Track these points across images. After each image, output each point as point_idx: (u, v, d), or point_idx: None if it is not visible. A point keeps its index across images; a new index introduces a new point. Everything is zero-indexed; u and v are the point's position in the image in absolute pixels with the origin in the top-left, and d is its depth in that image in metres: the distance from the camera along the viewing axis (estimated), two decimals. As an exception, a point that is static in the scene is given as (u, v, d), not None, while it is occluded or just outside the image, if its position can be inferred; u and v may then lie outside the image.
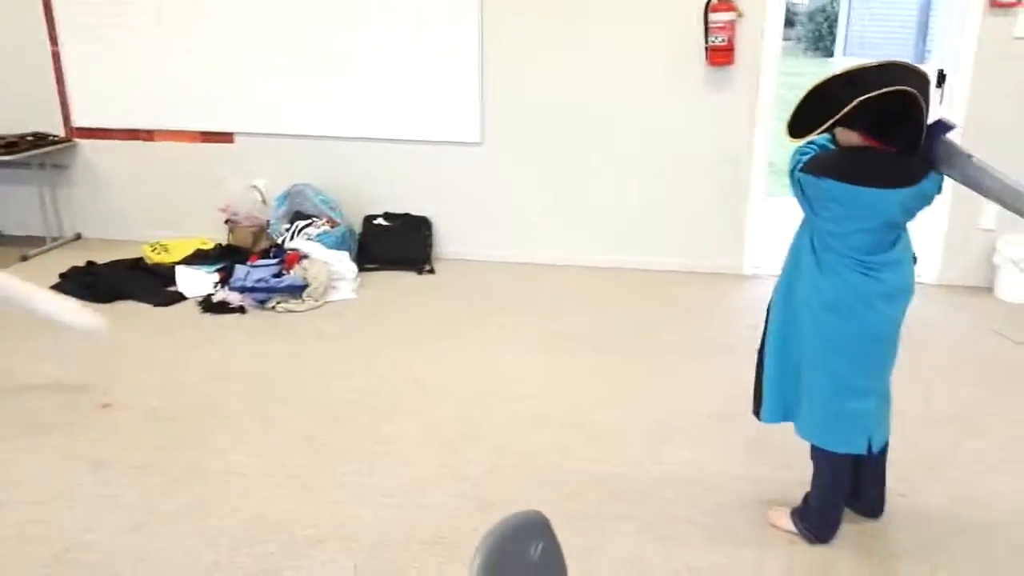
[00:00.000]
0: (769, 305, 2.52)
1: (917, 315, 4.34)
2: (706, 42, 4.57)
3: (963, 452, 3.10)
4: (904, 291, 2.34)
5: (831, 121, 2.12)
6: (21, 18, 5.31)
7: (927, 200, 2.26)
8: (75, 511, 2.76)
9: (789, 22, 20.07)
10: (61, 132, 5.52)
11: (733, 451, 3.07)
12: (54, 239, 5.61)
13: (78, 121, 5.50)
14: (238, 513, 2.75)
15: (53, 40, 5.33)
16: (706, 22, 4.53)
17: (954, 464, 3.02)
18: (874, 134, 2.17)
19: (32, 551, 2.56)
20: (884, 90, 2.03)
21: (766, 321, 2.53)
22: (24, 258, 5.32)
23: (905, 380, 3.60)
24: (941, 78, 4.55)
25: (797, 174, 2.26)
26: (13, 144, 5.24)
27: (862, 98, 2.04)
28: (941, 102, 4.58)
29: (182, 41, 5.17)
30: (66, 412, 3.41)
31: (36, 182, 5.51)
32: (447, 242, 5.27)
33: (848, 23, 17.09)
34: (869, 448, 2.42)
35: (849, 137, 2.22)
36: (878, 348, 2.38)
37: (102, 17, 5.20)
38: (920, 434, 3.18)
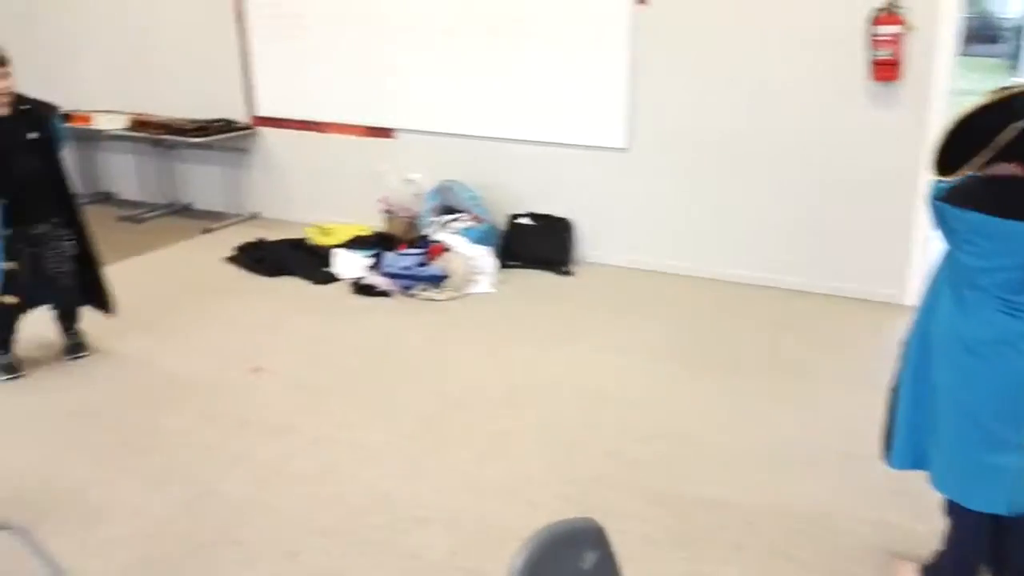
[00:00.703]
0: (905, 342, 2.34)
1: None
2: (871, 56, 4.37)
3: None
4: None
5: (986, 153, 1.94)
6: (217, 17, 5.86)
7: None
8: (213, 463, 3.07)
9: (992, 38, 18.30)
10: (245, 120, 6.05)
11: (863, 493, 2.88)
12: (234, 216, 6.16)
13: (260, 111, 6.00)
14: (356, 483, 2.96)
15: (243, 37, 5.85)
16: (871, 35, 4.33)
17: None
18: None
19: (173, 492, 2.88)
20: None
21: (901, 359, 2.35)
22: (207, 231, 5.89)
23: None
24: None
25: (937, 204, 2.09)
26: (203, 128, 5.81)
27: (1013, 126, 1.88)
28: None
29: (353, 43, 5.53)
30: (219, 374, 3.77)
31: (221, 163, 6.08)
32: (588, 245, 5.33)
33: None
34: (1013, 509, 2.18)
35: (1004, 170, 2.01)
36: None
37: (287, 18, 5.66)
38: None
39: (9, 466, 3.02)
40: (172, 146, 6.24)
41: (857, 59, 4.43)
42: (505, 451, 3.18)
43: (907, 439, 2.33)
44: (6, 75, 3.42)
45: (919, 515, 2.68)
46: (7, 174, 3.48)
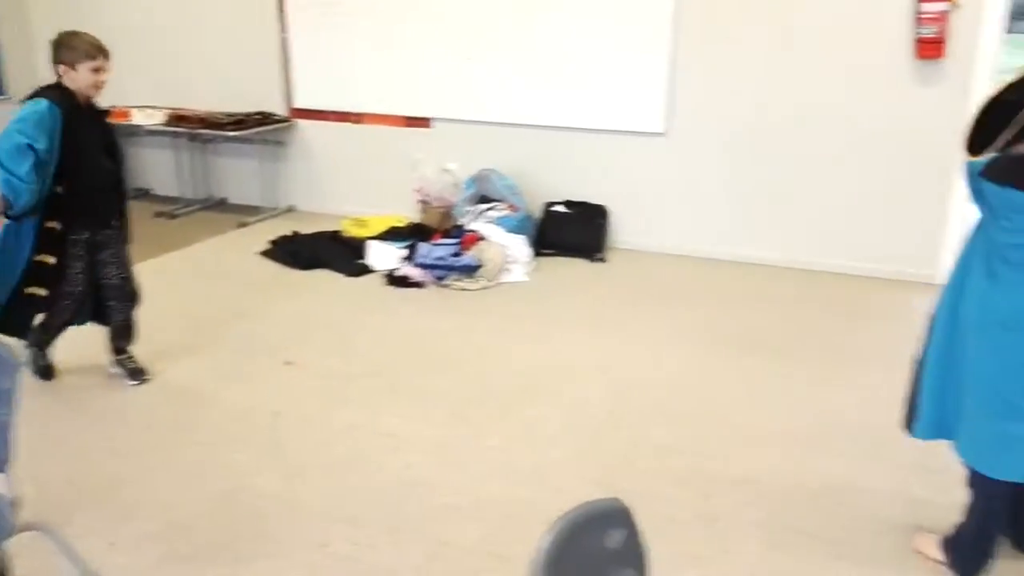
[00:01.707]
0: (932, 315, 2.35)
1: None
2: (915, 33, 4.23)
3: None
4: None
5: (1011, 130, 1.93)
6: (255, 8, 5.90)
7: None
8: (245, 456, 3.08)
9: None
10: (283, 112, 6.08)
11: (888, 468, 2.89)
12: (270, 209, 6.21)
13: (298, 102, 6.04)
14: (386, 472, 2.95)
15: (283, 28, 5.88)
16: (917, 12, 4.20)
17: None
18: None
19: (205, 486, 2.90)
20: None
21: (928, 332, 2.36)
22: (242, 225, 5.94)
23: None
24: None
25: (978, 179, 2.09)
26: (241, 121, 5.85)
27: None
28: None
29: (390, 33, 5.53)
30: (254, 365, 3.79)
31: (258, 157, 6.13)
32: (623, 232, 5.27)
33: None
34: None
35: None
36: None
37: (324, 7, 5.67)
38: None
39: (39, 465, 3.04)
40: (209, 140, 6.31)
41: (901, 37, 4.30)
42: (535, 438, 3.16)
43: (933, 410, 2.35)
44: (106, 69, 3.23)
45: (943, 489, 2.68)
46: (86, 173, 3.27)
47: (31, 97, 3.19)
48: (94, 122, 3.33)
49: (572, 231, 5.21)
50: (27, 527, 2.05)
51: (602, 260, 5.11)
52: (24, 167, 3.04)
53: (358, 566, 2.48)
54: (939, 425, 2.35)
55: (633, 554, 1.41)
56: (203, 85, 6.22)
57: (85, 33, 3.23)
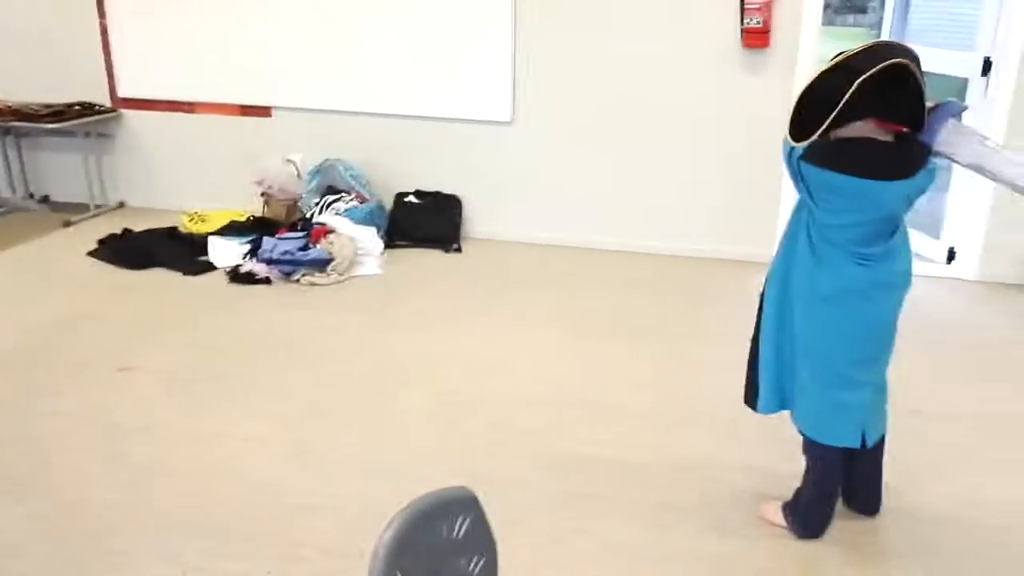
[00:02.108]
0: (762, 293, 2.46)
1: (951, 312, 4.26)
2: (741, 24, 4.45)
3: (977, 454, 2.99)
4: (903, 279, 2.27)
5: (835, 113, 2.01)
6: (70, -9, 5.46)
7: (922, 192, 2.18)
8: (82, 469, 2.85)
9: (861, 8, 19.22)
10: (107, 102, 5.67)
11: (740, 441, 3.02)
12: (98, 207, 5.77)
13: (123, 92, 5.64)
14: (239, 477, 2.81)
15: (101, 13, 5.47)
16: (742, 3, 4.42)
17: (965, 466, 2.92)
18: (883, 115, 2.08)
19: (36, 505, 2.66)
20: (880, 66, 1.95)
21: (759, 309, 2.47)
22: (67, 224, 5.49)
23: (926, 378, 3.51)
24: (987, 66, 4.38)
25: (797, 162, 2.17)
26: (60, 113, 5.41)
27: (860, 80, 1.96)
28: (986, 92, 4.40)
29: (224, 16, 5.25)
30: (88, 374, 3.52)
31: (82, 150, 5.68)
32: (477, 222, 5.27)
33: (908, 7, 15.99)
34: (864, 442, 2.35)
35: (853, 129, 2.10)
36: (875, 339, 2.32)
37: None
38: (934, 433, 3.08)
39: None
40: (25, 133, 5.79)
41: (729, 26, 4.51)
42: (395, 431, 3.11)
43: (771, 384, 2.46)
44: None
45: (784, 457, 2.81)
46: None
47: None
48: None
49: (425, 221, 5.15)
50: None
51: (457, 250, 5.09)
52: None
53: (209, 577, 2.35)
54: (778, 398, 2.46)
55: (480, 542, 1.39)
56: (18, 74, 5.69)
57: None
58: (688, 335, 3.95)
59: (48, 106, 5.45)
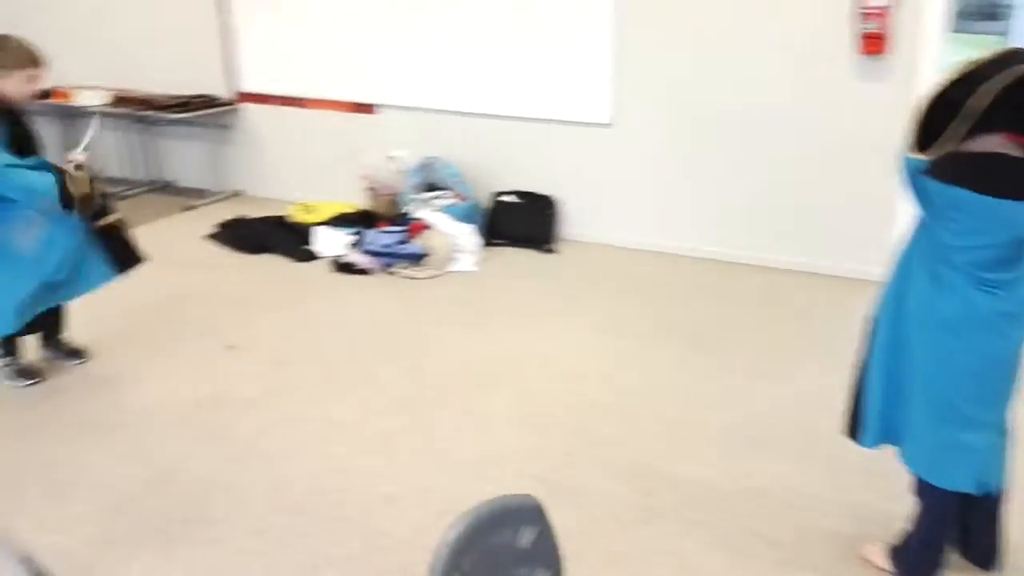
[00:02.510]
0: (873, 316, 2.29)
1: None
2: (859, 29, 4.29)
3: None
4: None
5: (960, 124, 1.85)
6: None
7: None
8: (182, 440, 3.02)
9: (992, 15, 18.01)
10: (227, 96, 5.96)
11: (834, 471, 2.84)
12: (216, 194, 6.09)
13: (243, 86, 5.92)
14: (325, 460, 2.92)
15: (225, 10, 5.75)
16: (859, 7, 4.25)
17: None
18: (1015, 128, 1.90)
19: (141, 469, 2.84)
20: (1015, 74, 1.79)
21: (869, 335, 2.29)
22: (188, 208, 5.82)
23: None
24: None
25: (919, 177, 2.00)
26: (185, 104, 5.72)
27: (991, 88, 1.80)
28: None
29: (336, 16, 5.44)
30: (196, 349, 3.72)
31: (204, 140, 6.00)
32: (573, 223, 5.27)
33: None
34: (982, 489, 2.17)
35: (981, 143, 1.92)
36: (998, 375, 2.12)
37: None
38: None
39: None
40: (154, 122, 6.16)
41: (844, 30, 4.35)
42: (477, 429, 3.15)
43: (878, 416, 2.28)
44: (41, 78, 3.18)
45: (890, 495, 2.62)
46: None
47: None
48: (23, 123, 3.23)
49: (521, 221, 5.19)
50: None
51: (551, 251, 5.10)
52: (20, 174, 3.04)
53: (294, 554, 2.45)
54: (885, 432, 2.28)
55: (545, 554, 1.38)
56: (150, 67, 6.06)
57: (18, 39, 3.13)
58: (784, 353, 3.79)
59: (174, 97, 5.78)
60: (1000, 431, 2.22)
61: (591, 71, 4.91)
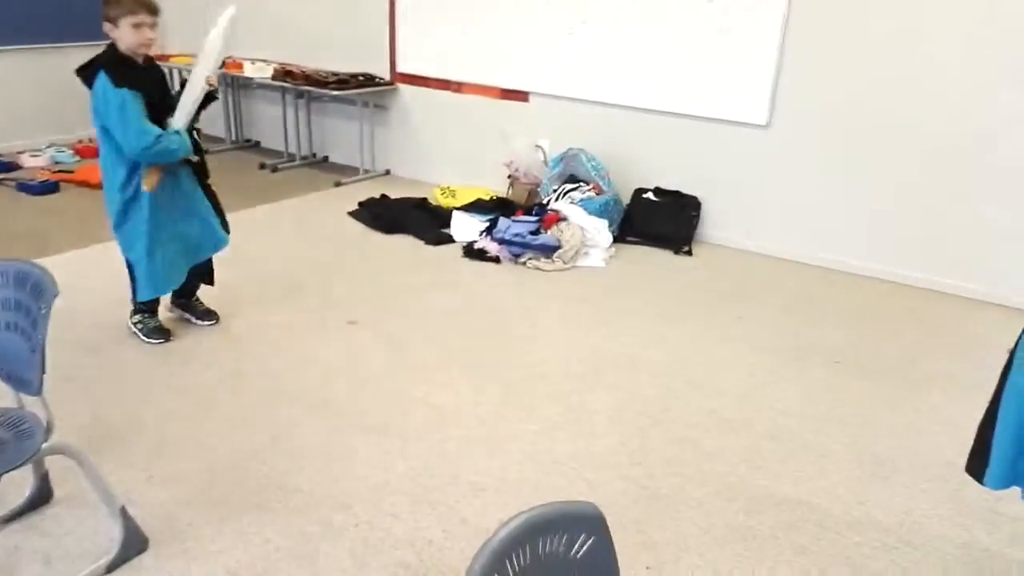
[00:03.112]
0: (1014, 347, 2.07)
1: None
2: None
3: None
4: None
5: None
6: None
7: None
8: (290, 409, 3.12)
9: None
10: (387, 76, 6.13)
11: (958, 510, 2.64)
12: (367, 171, 6.29)
13: (401, 67, 6.06)
14: (422, 442, 2.93)
15: (391, -8, 5.92)
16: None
17: None
18: None
19: (249, 433, 2.95)
20: None
21: (1006, 365, 2.09)
22: (338, 184, 6.04)
23: None
24: None
25: None
26: (345, 82, 5.93)
27: None
28: None
29: (496, 4, 5.46)
30: (319, 321, 3.85)
31: (359, 118, 6.20)
32: (714, 226, 5.06)
33: None
34: None
35: None
36: None
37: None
38: None
39: (99, 401, 3.18)
40: (315, 98, 6.43)
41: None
42: (579, 426, 3.07)
43: (1008, 455, 2.05)
44: (150, 25, 3.13)
45: (1011, 540, 2.41)
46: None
47: (85, 71, 3.10)
48: (153, 79, 3.27)
49: (660, 220, 5.03)
50: (54, 450, 2.13)
51: (688, 253, 4.92)
52: (153, 129, 3.14)
53: (375, 533, 2.47)
54: (1013, 473, 2.05)
55: (601, 567, 1.30)
56: (315, 45, 6.34)
57: None
58: (919, 378, 3.52)
59: (335, 74, 6.00)
60: None
61: (750, 70, 4.67)
